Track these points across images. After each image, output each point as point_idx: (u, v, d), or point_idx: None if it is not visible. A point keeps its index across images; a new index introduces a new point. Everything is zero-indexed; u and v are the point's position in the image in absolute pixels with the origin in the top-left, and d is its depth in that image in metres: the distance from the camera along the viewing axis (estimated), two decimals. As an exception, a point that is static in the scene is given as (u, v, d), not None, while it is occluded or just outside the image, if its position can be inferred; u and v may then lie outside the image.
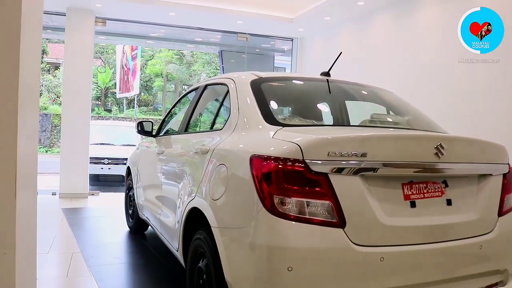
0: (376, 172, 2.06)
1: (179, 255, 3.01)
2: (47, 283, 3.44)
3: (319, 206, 1.96)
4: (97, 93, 26.53)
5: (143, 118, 20.73)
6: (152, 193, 4.03)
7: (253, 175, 2.07)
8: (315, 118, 2.88)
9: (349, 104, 3.29)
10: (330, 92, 3.04)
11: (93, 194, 7.90)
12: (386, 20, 6.64)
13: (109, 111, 26.82)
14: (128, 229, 5.26)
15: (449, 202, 2.27)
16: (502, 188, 2.47)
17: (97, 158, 10.10)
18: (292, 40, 9.40)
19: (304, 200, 1.96)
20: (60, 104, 19.05)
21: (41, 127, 20.75)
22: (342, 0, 6.66)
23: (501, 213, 2.44)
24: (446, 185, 2.27)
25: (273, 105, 2.72)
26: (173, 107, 4.61)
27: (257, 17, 7.83)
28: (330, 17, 7.56)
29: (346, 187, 2.00)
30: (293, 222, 1.94)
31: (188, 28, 8.98)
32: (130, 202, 5.16)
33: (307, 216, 1.95)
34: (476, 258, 2.34)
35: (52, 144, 21.52)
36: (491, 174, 2.43)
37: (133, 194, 4.86)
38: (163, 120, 4.51)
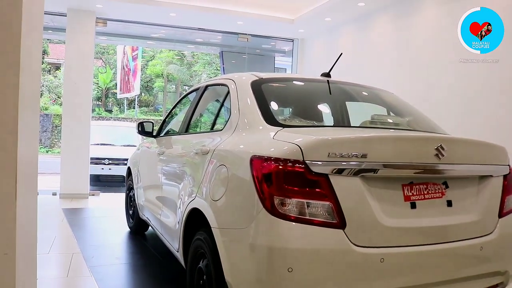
0: (376, 173, 2.06)
1: (179, 255, 3.01)
2: (48, 283, 3.44)
3: (319, 207, 1.96)
4: (97, 94, 26.56)
5: (143, 119, 20.70)
6: (152, 193, 4.03)
7: (253, 176, 2.07)
8: (316, 119, 2.88)
9: (349, 105, 3.29)
10: (330, 93, 3.04)
11: (93, 195, 7.89)
12: (387, 21, 6.64)
13: (110, 111, 26.83)
14: (128, 229, 5.26)
15: (449, 203, 2.27)
16: (503, 189, 2.47)
17: (97, 159, 10.11)
18: (292, 41, 9.40)
19: (305, 201, 1.96)
20: (60, 104, 19.07)
21: (41, 127, 20.77)
22: (342, 1, 6.67)
23: (501, 214, 2.44)
24: (447, 186, 2.27)
25: (274, 106, 2.72)
26: (174, 107, 4.61)
27: (258, 18, 7.83)
28: (331, 18, 7.56)
29: (347, 188, 2.00)
30: (293, 223, 1.94)
31: (189, 28, 8.99)
32: (130, 203, 5.16)
33: (307, 217, 1.95)
34: (477, 260, 2.34)
35: (52, 145, 21.53)
36: (491, 176, 2.43)
37: (134, 194, 4.87)
38: (164, 121, 4.51)
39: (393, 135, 2.49)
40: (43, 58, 23.37)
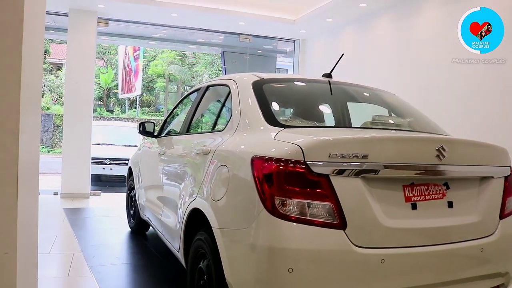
0: (377, 174, 2.06)
1: (180, 255, 3.01)
2: (48, 283, 3.45)
3: (320, 208, 1.96)
4: (99, 94, 26.57)
5: (145, 119, 20.72)
6: (153, 193, 4.03)
7: (254, 176, 2.08)
8: (317, 119, 2.88)
9: (350, 105, 3.29)
10: (331, 94, 3.04)
11: (94, 195, 7.90)
12: (388, 22, 6.64)
13: (111, 111, 26.85)
14: (129, 229, 5.26)
15: (450, 205, 2.27)
16: (504, 190, 2.47)
17: (98, 159, 10.12)
18: (294, 42, 9.40)
19: (305, 201, 1.96)
20: (62, 104, 19.09)
21: (43, 127, 20.79)
22: (344, 2, 6.67)
23: (502, 215, 2.44)
24: (448, 187, 2.27)
25: (275, 106, 2.72)
26: (175, 108, 4.62)
27: (260, 18, 7.83)
28: (332, 18, 7.56)
29: (347, 189, 2.00)
30: (294, 224, 1.94)
31: (190, 29, 9.00)
32: (131, 203, 5.17)
33: (308, 218, 1.95)
34: (477, 261, 2.34)
35: (54, 144, 21.56)
36: (492, 177, 2.43)
37: (135, 194, 4.87)
38: (165, 121, 4.51)
39: (394, 136, 2.49)
40: (44, 58, 23.40)
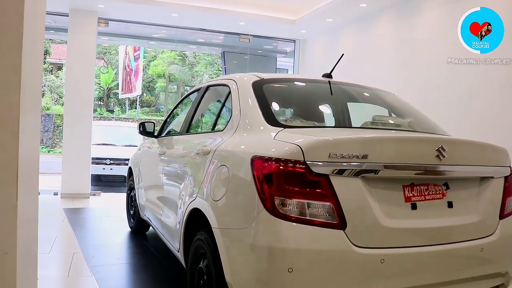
0: (377, 174, 2.06)
1: (180, 255, 3.01)
2: (48, 283, 3.45)
3: (320, 208, 1.96)
4: (99, 94, 26.58)
5: (145, 119, 20.72)
6: (153, 193, 4.03)
7: (254, 176, 2.08)
8: (317, 119, 2.88)
9: (350, 105, 3.29)
10: (332, 94, 3.04)
11: (94, 195, 7.90)
12: (388, 22, 6.64)
13: (111, 111, 26.85)
14: (129, 229, 5.26)
15: (450, 205, 2.27)
16: (504, 191, 2.47)
17: (99, 159, 10.12)
18: (294, 42, 9.40)
19: (305, 201, 1.96)
20: (62, 104, 19.10)
21: (43, 127, 20.79)
22: (344, 2, 6.67)
23: (502, 215, 2.44)
24: (447, 188, 2.27)
25: (275, 106, 2.72)
26: (175, 108, 4.62)
27: (260, 18, 7.83)
28: (333, 19, 7.56)
29: (347, 189, 2.00)
30: (294, 224, 1.94)
31: (190, 29, 9.00)
32: (131, 203, 5.17)
33: (308, 218, 1.95)
34: (477, 261, 2.34)
35: (54, 144, 21.56)
36: (492, 177, 2.43)
37: (135, 194, 4.87)
38: (165, 121, 4.51)
39: (394, 136, 2.49)
40: (45, 58, 23.42)
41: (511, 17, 4.57)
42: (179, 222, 2.96)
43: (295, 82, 3.32)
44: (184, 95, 4.49)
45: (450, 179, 2.28)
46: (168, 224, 3.31)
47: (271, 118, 2.48)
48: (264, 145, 2.21)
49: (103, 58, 27.27)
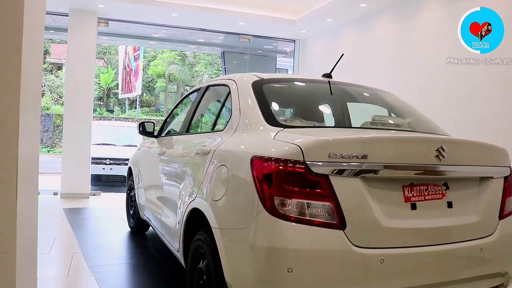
0: (377, 174, 2.06)
1: (179, 255, 3.01)
2: (48, 283, 3.45)
3: (319, 208, 1.97)
4: (99, 94, 26.58)
5: (145, 119, 20.72)
6: (153, 193, 4.03)
7: (253, 176, 2.08)
8: (317, 119, 2.88)
9: (350, 105, 3.29)
10: (331, 94, 3.04)
11: (94, 194, 7.90)
12: (388, 22, 6.64)
13: (111, 111, 26.85)
14: (129, 229, 5.26)
15: (449, 205, 2.27)
16: (503, 191, 2.47)
17: (98, 159, 10.12)
18: (294, 42, 9.40)
19: (305, 201, 1.96)
20: (62, 104, 19.10)
21: (43, 127, 20.79)
22: (344, 2, 6.67)
23: (501, 216, 2.44)
24: (447, 188, 2.27)
25: (275, 106, 2.72)
26: (175, 108, 4.62)
27: (260, 18, 7.84)
28: (332, 19, 7.56)
29: (347, 189, 2.00)
30: (294, 224, 1.94)
31: (190, 29, 9.01)
32: (131, 203, 5.17)
33: (308, 218, 1.95)
34: (477, 261, 2.34)
35: (54, 144, 21.56)
36: (492, 177, 2.43)
37: (134, 194, 4.87)
38: (165, 121, 4.51)
39: (393, 136, 2.49)
40: (44, 58, 23.41)
41: (511, 17, 4.57)
42: (178, 222, 2.96)
43: (295, 82, 3.32)
44: (184, 95, 4.49)
45: (449, 179, 2.28)
46: (168, 224, 3.31)
47: (270, 118, 2.48)
48: (264, 145, 2.21)
49: (103, 58, 27.27)
